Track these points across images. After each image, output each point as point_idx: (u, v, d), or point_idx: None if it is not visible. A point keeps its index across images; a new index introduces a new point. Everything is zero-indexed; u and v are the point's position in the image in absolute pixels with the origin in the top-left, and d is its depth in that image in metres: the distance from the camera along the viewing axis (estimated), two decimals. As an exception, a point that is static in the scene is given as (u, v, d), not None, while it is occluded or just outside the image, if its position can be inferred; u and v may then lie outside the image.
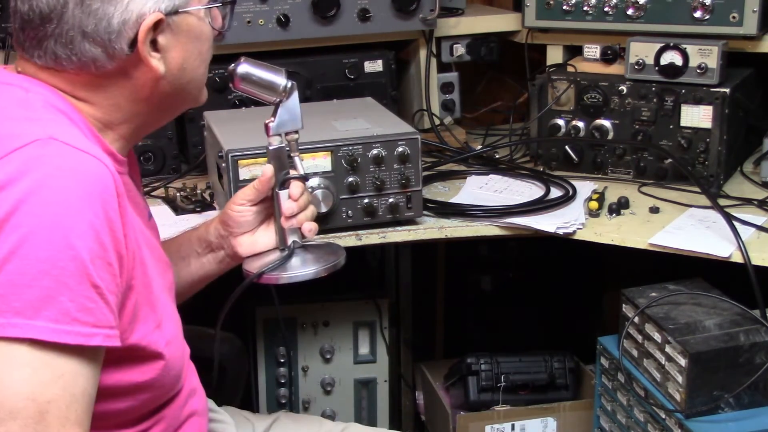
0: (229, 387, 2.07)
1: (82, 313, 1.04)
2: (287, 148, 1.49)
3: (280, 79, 1.43)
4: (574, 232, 1.89)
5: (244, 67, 1.43)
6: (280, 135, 1.47)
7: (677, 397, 1.72)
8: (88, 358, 1.07)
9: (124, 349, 1.14)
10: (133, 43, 1.18)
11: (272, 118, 1.46)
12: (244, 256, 1.52)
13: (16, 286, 1.01)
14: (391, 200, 1.87)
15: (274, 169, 1.48)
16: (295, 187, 1.48)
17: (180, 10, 1.21)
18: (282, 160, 1.48)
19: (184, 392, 1.35)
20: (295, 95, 1.45)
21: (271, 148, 1.47)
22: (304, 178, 1.49)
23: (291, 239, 1.49)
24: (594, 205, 1.96)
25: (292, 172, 1.49)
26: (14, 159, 1.05)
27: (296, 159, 1.49)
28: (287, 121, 1.46)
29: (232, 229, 1.52)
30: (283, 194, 1.48)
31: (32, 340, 1.01)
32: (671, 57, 2.06)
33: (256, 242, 1.53)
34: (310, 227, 1.49)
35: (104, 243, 1.07)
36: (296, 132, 1.48)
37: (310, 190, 1.80)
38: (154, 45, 1.20)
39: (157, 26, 1.19)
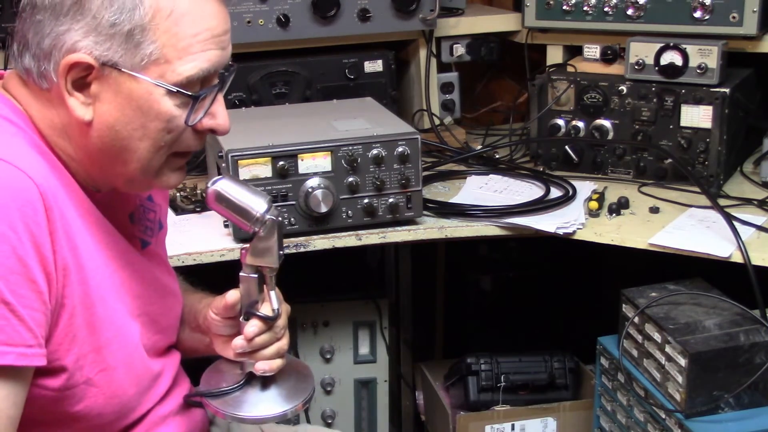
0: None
1: None
2: (260, 280, 1.32)
3: (259, 206, 1.25)
4: (574, 232, 1.89)
5: (220, 184, 1.26)
6: (253, 266, 1.30)
7: (677, 397, 1.72)
8: (5, 379, 1.02)
9: (53, 373, 1.10)
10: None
11: (249, 245, 1.29)
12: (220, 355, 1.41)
13: None
14: (391, 200, 1.87)
15: (241, 296, 1.32)
16: (251, 326, 1.30)
17: (119, 68, 1.12)
18: (251, 290, 1.31)
19: (147, 421, 1.30)
20: (275, 235, 1.27)
21: (241, 274, 1.31)
22: (270, 319, 1.31)
23: (248, 369, 1.33)
24: (594, 205, 1.96)
25: (264, 307, 1.32)
26: None
27: (271, 294, 1.32)
28: (260, 255, 1.28)
29: (209, 328, 1.40)
30: (243, 326, 1.31)
31: None
32: (671, 57, 2.06)
33: (228, 351, 1.37)
34: (263, 368, 1.32)
35: (23, 258, 1.03)
36: (273, 269, 1.30)
37: (310, 190, 1.80)
38: (86, 88, 1.13)
39: (89, 70, 1.12)
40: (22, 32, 1.15)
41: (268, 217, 1.26)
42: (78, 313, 1.13)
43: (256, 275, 1.30)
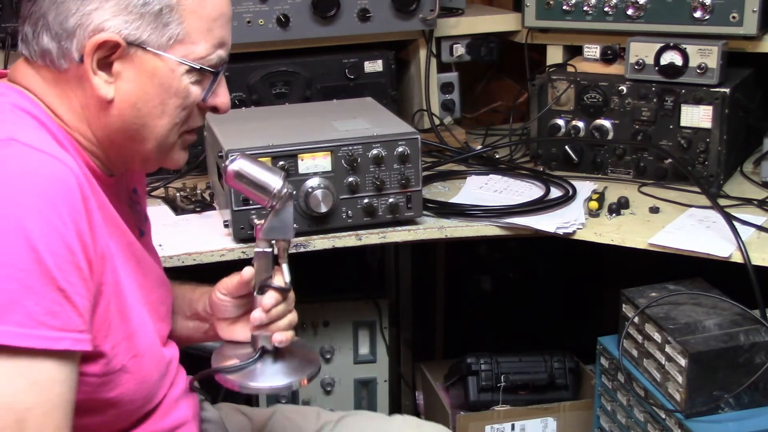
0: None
1: (48, 317, 1.03)
2: (275, 254, 1.37)
3: (276, 182, 1.33)
4: (574, 232, 1.89)
5: (238, 163, 1.33)
6: (268, 240, 1.36)
7: (677, 397, 1.72)
8: (62, 363, 1.05)
9: (93, 359, 1.12)
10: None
11: (263, 221, 1.36)
12: (224, 339, 1.46)
13: None
14: (391, 200, 1.87)
15: (255, 272, 1.37)
16: (269, 297, 1.36)
17: (146, 47, 1.16)
18: (265, 265, 1.37)
19: (166, 403, 1.32)
20: (290, 205, 1.35)
21: (256, 250, 1.37)
22: (284, 290, 1.37)
23: (261, 344, 1.39)
24: (594, 205, 1.96)
25: (276, 279, 1.38)
26: None
27: (284, 267, 1.38)
28: (276, 229, 1.35)
29: (215, 312, 1.45)
30: (259, 299, 1.37)
31: (3, 346, 1.00)
32: (671, 57, 2.06)
33: (235, 332, 1.44)
34: (280, 338, 1.37)
35: (71, 246, 1.05)
36: (287, 241, 1.37)
37: (310, 190, 1.80)
38: (109, 67, 1.16)
39: (114, 49, 1.14)
40: (39, 13, 1.15)
41: (285, 190, 1.33)
42: (112, 301, 1.16)
43: (270, 249, 1.36)
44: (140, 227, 1.40)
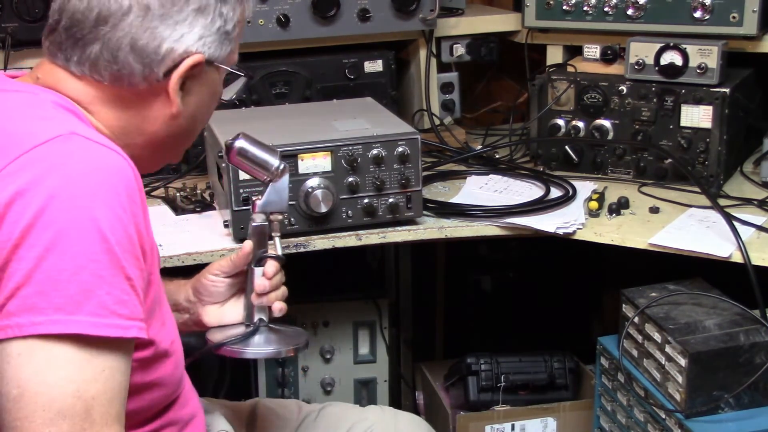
0: (204, 379, 2.09)
1: (119, 306, 1.05)
2: (270, 227, 1.49)
3: (274, 159, 1.45)
4: (574, 232, 1.89)
5: (241, 143, 1.44)
6: (264, 213, 1.48)
7: (677, 397, 1.72)
8: (124, 352, 1.08)
9: (144, 346, 1.15)
10: (168, 73, 1.19)
11: (260, 196, 1.47)
12: (209, 326, 1.52)
13: (55, 282, 1.01)
14: (391, 200, 1.87)
15: (253, 246, 1.47)
16: (271, 266, 1.47)
17: (216, 63, 1.24)
18: (262, 238, 1.48)
19: (184, 393, 1.35)
20: (286, 178, 1.47)
21: (253, 224, 1.47)
22: (281, 259, 1.49)
23: (258, 316, 1.49)
24: (594, 205, 1.96)
25: (271, 251, 1.49)
26: (38, 155, 1.05)
27: (276, 239, 1.49)
28: (274, 202, 1.47)
29: (203, 297, 1.51)
30: (257, 271, 1.47)
31: (75, 335, 1.02)
32: (671, 57, 2.06)
33: (224, 314, 1.51)
34: (280, 307, 1.48)
35: (131, 236, 1.08)
36: (281, 214, 1.49)
37: (310, 190, 1.80)
38: (183, 84, 1.21)
39: (194, 67, 1.20)
40: (118, 36, 1.16)
41: (282, 165, 1.45)
42: (156, 289, 1.19)
43: (267, 223, 1.47)
44: None
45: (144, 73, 1.18)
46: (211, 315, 1.51)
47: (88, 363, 1.03)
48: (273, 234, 1.49)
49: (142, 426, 1.24)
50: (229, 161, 1.47)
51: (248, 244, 1.47)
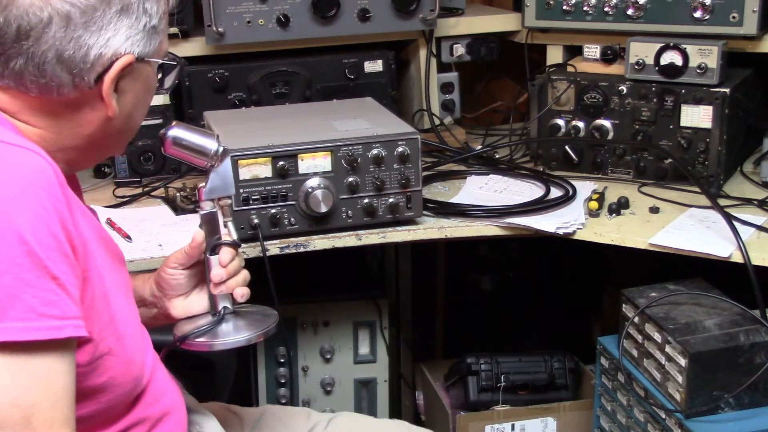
0: (218, 383, 2.06)
1: (48, 307, 1.03)
2: (220, 213, 1.46)
3: (212, 144, 1.41)
4: (574, 232, 1.89)
5: (175, 131, 1.40)
6: (212, 200, 1.44)
7: (677, 397, 1.72)
8: (62, 353, 1.05)
9: (82, 345, 1.13)
10: (99, 78, 1.16)
11: (204, 184, 1.44)
12: (178, 318, 1.50)
13: None
14: (391, 200, 1.87)
15: (205, 234, 1.44)
16: (225, 253, 1.44)
17: (147, 58, 1.22)
18: (214, 225, 1.45)
19: (151, 390, 1.32)
20: (227, 161, 1.43)
21: (201, 213, 1.44)
22: (235, 245, 1.46)
23: (222, 305, 1.46)
24: (594, 205, 1.96)
25: (225, 238, 1.46)
26: None
27: (229, 224, 1.46)
28: (219, 187, 1.43)
29: (166, 291, 1.49)
30: (213, 260, 1.44)
31: (3, 343, 1.00)
32: (671, 57, 2.06)
33: (190, 305, 1.50)
34: (242, 292, 1.45)
35: (57, 234, 1.05)
36: (229, 198, 1.46)
37: (310, 190, 1.80)
38: (117, 85, 1.19)
39: (125, 68, 1.18)
40: (43, 49, 1.13)
41: (220, 149, 1.40)
42: (96, 286, 1.17)
43: (215, 210, 1.44)
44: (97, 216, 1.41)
45: (74, 83, 1.15)
46: (178, 307, 1.49)
47: (22, 370, 1.01)
48: (225, 219, 1.46)
49: (105, 428, 1.23)
50: (165, 152, 1.42)
51: (199, 234, 1.44)
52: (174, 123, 1.42)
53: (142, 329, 1.35)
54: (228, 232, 1.46)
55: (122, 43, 1.17)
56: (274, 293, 2.24)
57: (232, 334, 1.44)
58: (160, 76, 1.29)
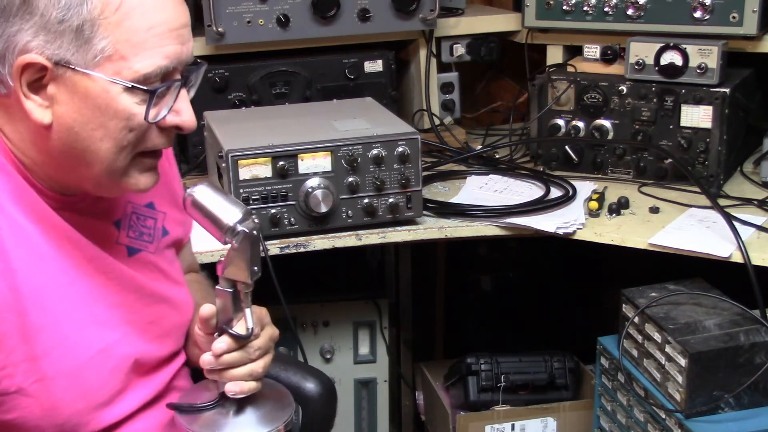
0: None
1: None
2: (236, 296, 1.26)
3: (228, 218, 1.21)
4: (574, 232, 1.89)
5: (197, 191, 1.22)
6: (228, 279, 1.25)
7: (677, 397, 1.72)
8: None
9: None
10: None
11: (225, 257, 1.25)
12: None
13: None
14: (391, 200, 1.87)
15: (217, 310, 1.26)
16: (220, 342, 1.24)
17: (74, 67, 1.09)
18: (226, 305, 1.25)
19: None
20: (247, 245, 1.21)
21: (216, 287, 1.26)
22: (241, 337, 1.25)
23: (222, 389, 1.27)
24: (594, 205, 1.96)
25: (239, 325, 1.26)
26: None
27: (247, 312, 1.25)
28: (235, 270, 1.23)
29: (199, 347, 1.33)
30: (214, 344, 1.26)
31: None
32: (671, 57, 2.06)
33: None
34: (232, 389, 1.25)
35: None
36: (246, 284, 1.24)
37: (310, 190, 1.80)
38: (43, 90, 1.11)
39: (42, 71, 1.09)
40: None
41: (240, 228, 1.20)
42: (5, 320, 1.10)
43: (231, 290, 1.25)
44: (131, 245, 1.32)
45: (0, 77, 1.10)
46: (205, 363, 1.30)
47: None
48: (242, 304, 1.26)
49: None
50: (186, 211, 1.25)
51: (204, 309, 1.26)
52: (205, 182, 1.24)
53: (114, 373, 1.24)
54: (245, 318, 1.26)
55: (29, 40, 1.08)
56: (280, 293, 2.23)
57: (218, 428, 1.26)
58: (137, 101, 1.12)
